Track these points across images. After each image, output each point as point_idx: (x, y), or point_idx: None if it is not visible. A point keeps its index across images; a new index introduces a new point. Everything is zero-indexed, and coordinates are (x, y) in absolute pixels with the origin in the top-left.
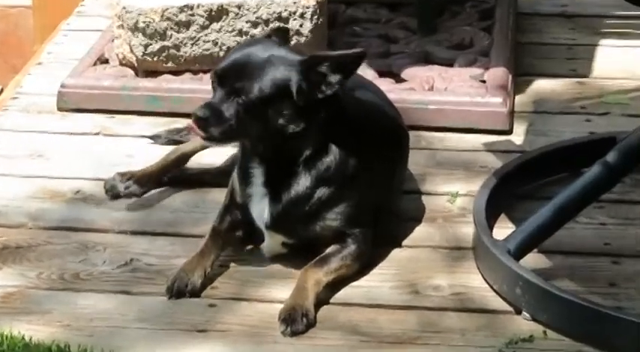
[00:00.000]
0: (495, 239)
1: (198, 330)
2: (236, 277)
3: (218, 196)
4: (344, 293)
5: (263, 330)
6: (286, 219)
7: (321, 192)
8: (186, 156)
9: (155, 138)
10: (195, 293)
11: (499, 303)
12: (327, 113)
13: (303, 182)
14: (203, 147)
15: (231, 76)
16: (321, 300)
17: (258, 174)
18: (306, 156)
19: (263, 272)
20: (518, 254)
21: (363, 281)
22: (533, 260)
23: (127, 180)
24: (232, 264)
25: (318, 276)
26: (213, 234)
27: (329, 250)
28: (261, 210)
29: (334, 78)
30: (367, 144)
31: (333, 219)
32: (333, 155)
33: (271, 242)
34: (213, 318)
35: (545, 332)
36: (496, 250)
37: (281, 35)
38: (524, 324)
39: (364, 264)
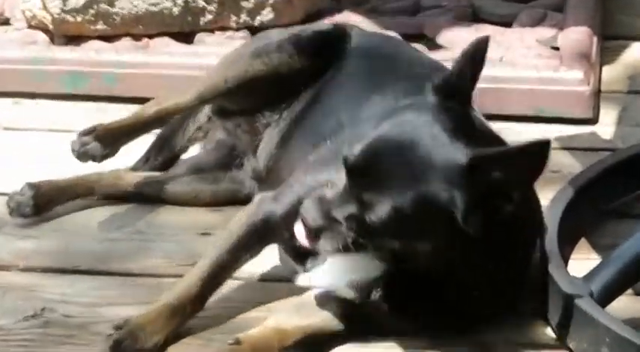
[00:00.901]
0: (573, 276)
1: None
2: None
3: (169, 217)
4: None
5: None
6: None
7: None
8: (170, 114)
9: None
10: None
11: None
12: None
13: None
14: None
15: (364, 174)
16: None
17: None
18: None
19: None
20: (605, 298)
21: None
22: (625, 306)
23: (86, 134)
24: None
25: None
26: (205, 277)
27: None
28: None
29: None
30: None
31: None
32: None
33: None
34: None
35: None
36: (573, 292)
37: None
38: None
39: None
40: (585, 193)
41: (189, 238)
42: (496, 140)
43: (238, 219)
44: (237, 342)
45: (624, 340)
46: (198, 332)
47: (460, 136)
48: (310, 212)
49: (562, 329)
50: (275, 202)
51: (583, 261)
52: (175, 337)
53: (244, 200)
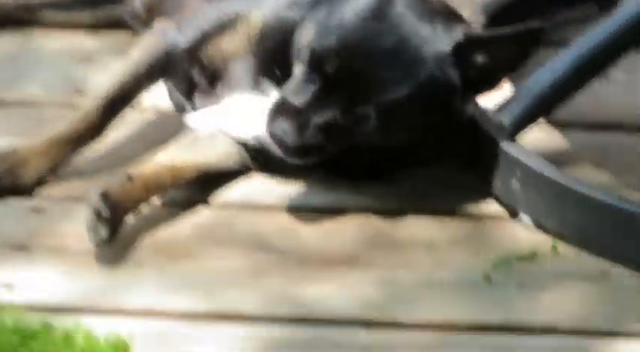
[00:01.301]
0: (484, 108)
1: (19, 247)
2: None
3: (45, 42)
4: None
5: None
6: None
7: None
8: None
9: None
10: (26, 190)
11: (486, 206)
12: None
13: None
14: None
15: (343, 74)
16: None
17: None
18: None
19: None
20: (515, 129)
21: None
22: (538, 138)
23: None
24: None
25: None
26: (105, 103)
27: None
28: None
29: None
30: None
31: None
32: None
33: None
34: (39, 230)
35: (554, 247)
36: (484, 124)
37: None
38: (522, 235)
39: None
40: (496, 20)
41: (68, 65)
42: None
43: (140, 48)
44: (128, 178)
45: (534, 171)
46: (85, 168)
47: (434, 16)
48: (285, 129)
49: (485, 175)
50: (178, 33)
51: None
52: (59, 174)
53: (127, 25)
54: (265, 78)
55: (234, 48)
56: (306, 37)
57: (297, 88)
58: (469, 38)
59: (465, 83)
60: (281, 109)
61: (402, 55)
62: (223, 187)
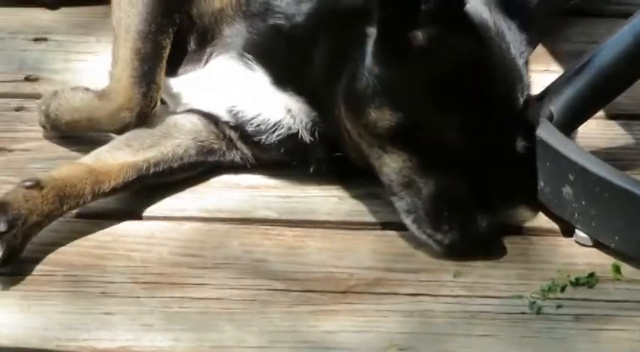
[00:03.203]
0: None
1: None
2: None
3: None
4: None
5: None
6: None
7: None
8: None
9: None
10: None
11: (533, 218)
12: None
13: None
14: None
15: None
16: None
17: None
18: None
19: None
20: (569, 121)
21: None
22: (594, 132)
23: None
24: None
25: None
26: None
27: None
28: None
29: None
30: None
31: None
32: None
33: None
34: None
35: (616, 269)
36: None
37: None
38: (578, 254)
39: None
40: None
41: (21, 44)
42: None
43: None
44: (37, 185)
45: (592, 176)
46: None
47: None
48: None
49: (530, 179)
50: None
51: (540, 74)
52: None
53: None
54: (251, 55)
55: (221, 2)
56: None
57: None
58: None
59: None
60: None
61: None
62: (171, 195)
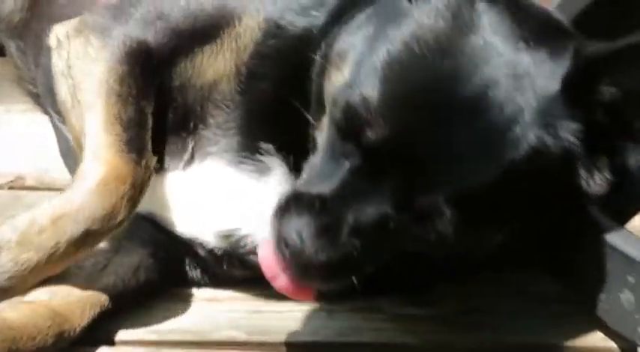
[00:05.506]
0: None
1: None
2: None
3: None
4: None
5: None
6: None
7: None
8: None
9: None
10: None
11: (587, 336)
12: None
13: None
14: None
15: (393, 136)
16: None
17: None
18: None
19: None
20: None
21: None
22: None
23: None
24: None
25: None
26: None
27: None
28: None
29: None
30: None
31: None
32: None
33: None
34: None
35: None
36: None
37: None
38: None
39: None
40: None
41: None
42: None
43: (87, 67)
44: None
45: None
46: None
47: (533, 31)
48: (301, 235)
49: (583, 286)
50: (140, 25)
51: None
52: None
53: None
54: (262, 138)
55: (216, 73)
56: (335, 78)
57: (322, 168)
58: (589, 59)
59: (590, 136)
60: (295, 203)
61: (488, 108)
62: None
